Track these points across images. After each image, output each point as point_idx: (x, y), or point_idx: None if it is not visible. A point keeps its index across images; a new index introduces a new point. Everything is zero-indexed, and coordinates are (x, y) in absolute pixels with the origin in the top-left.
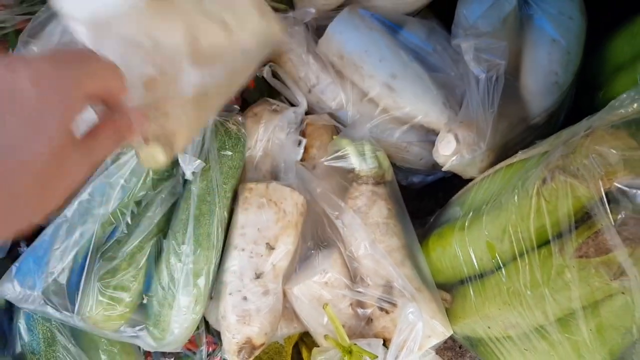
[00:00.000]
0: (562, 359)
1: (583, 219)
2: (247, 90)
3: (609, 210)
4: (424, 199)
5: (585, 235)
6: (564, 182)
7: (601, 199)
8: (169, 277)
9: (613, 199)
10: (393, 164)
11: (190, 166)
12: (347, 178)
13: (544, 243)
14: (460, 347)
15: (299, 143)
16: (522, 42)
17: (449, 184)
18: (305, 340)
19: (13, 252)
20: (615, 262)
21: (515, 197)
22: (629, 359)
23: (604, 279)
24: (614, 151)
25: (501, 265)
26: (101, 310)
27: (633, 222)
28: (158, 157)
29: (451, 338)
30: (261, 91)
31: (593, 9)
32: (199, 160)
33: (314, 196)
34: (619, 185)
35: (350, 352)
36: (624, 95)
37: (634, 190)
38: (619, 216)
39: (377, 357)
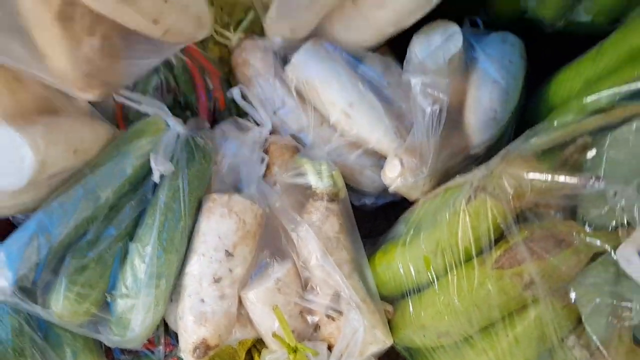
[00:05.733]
0: None
1: (502, 234)
2: (218, 111)
3: (517, 228)
4: (377, 220)
5: (503, 248)
6: (484, 200)
7: (513, 217)
8: (133, 278)
9: (523, 216)
10: (348, 185)
11: (160, 167)
12: (305, 194)
13: (470, 257)
14: None
15: (262, 160)
16: (467, 80)
17: (400, 207)
18: (257, 347)
19: None
20: (526, 272)
21: (447, 214)
22: None
23: (517, 289)
24: (524, 174)
25: (435, 278)
26: (67, 305)
27: (540, 238)
28: None
29: (394, 352)
30: (230, 112)
31: (536, 54)
32: (169, 162)
33: (272, 210)
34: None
35: (295, 351)
36: (537, 127)
37: (541, 209)
38: (528, 232)
39: (318, 353)
